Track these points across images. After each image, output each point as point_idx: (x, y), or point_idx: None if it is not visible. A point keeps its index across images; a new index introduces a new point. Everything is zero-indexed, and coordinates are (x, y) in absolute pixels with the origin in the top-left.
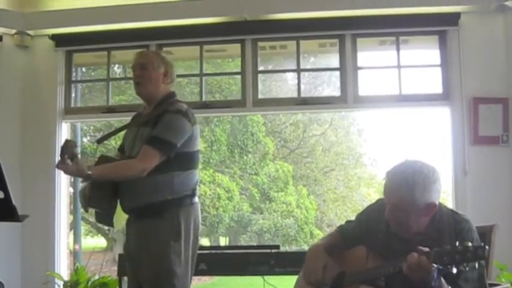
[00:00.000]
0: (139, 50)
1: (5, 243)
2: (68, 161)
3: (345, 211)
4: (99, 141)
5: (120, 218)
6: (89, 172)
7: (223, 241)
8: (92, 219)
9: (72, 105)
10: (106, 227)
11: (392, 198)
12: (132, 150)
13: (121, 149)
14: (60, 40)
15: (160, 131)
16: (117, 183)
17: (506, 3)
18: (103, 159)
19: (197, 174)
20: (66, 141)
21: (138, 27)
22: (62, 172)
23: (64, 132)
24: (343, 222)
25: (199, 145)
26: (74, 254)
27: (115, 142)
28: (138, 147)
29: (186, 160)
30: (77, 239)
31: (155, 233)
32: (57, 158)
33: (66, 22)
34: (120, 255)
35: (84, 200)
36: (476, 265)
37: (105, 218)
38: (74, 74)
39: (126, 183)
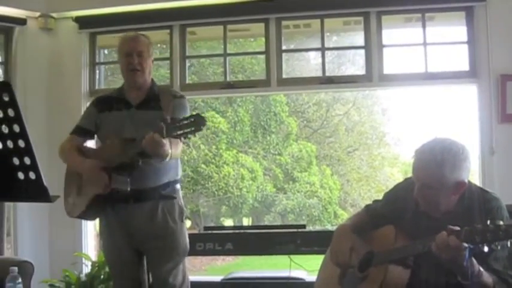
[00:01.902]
0: (127, 34)
1: (34, 224)
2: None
3: (369, 191)
4: None
5: None
6: (170, 151)
7: (246, 222)
8: None
9: (96, 87)
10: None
11: (421, 176)
12: (134, 133)
13: (82, 132)
14: (83, 22)
15: (182, 115)
16: None
17: None
18: None
19: None
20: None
21: (162, 8)
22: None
23: None
24: (367, 202)
25: None
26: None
27: None
28: (150, 130)
29: None
30: None
31: (168, 213)
32: None
33: (90, 4)
34: None
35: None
36: (509, 244)
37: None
38: (97, 56)
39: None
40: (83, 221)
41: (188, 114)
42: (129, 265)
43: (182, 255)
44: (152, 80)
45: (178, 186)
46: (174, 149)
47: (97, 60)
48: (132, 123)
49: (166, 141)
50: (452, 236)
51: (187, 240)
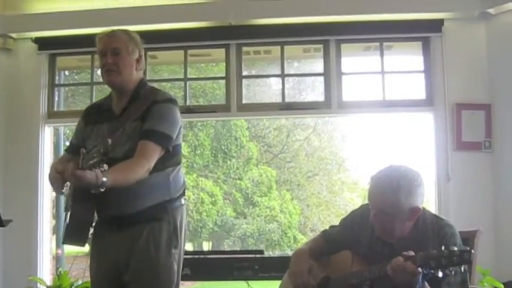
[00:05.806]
0: (106, 31)
1: None
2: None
3: (328, 216)
4: None
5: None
6: (104, 179)
7: (206, 246)
8: None
9: (55, 109)
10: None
11: (377, 202)
12: (113, 148)
13: (71, 149)
14: (43, 43)
15: (156, 124)
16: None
17: (489, 10)
18: None
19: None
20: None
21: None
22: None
23: (47, 136)
24: (326, 227)
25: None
26: (57, 259)
27: None
28: (127, 144)
29: (176, 154)
30: (59, 244)
31: (153, 240)
32: (41, 161)
33: (50, 25)
34: None
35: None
36: (462, 269)
37: (80, 234)
38: (57, 77)
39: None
40: (39, 244)
41: (169, 124)
42: None
43: None
44: (141, 81)
45: (174, 205)
46: (113, 175)
47: (56, 82)
48: (112, 137)
49: (92, 171)
50: (408, 261)
51: (175, 275)
